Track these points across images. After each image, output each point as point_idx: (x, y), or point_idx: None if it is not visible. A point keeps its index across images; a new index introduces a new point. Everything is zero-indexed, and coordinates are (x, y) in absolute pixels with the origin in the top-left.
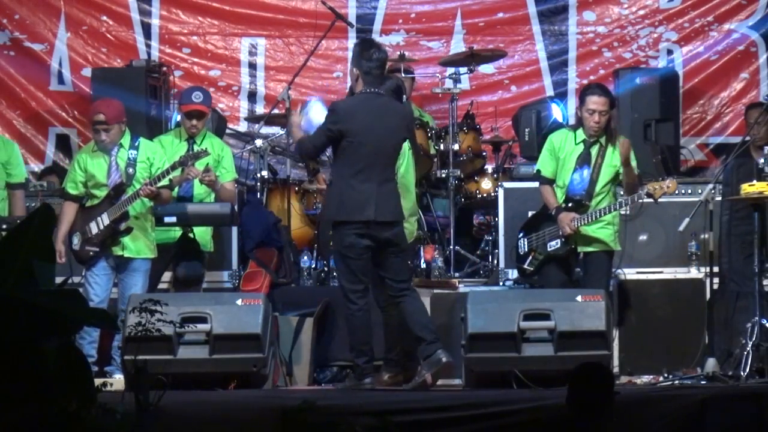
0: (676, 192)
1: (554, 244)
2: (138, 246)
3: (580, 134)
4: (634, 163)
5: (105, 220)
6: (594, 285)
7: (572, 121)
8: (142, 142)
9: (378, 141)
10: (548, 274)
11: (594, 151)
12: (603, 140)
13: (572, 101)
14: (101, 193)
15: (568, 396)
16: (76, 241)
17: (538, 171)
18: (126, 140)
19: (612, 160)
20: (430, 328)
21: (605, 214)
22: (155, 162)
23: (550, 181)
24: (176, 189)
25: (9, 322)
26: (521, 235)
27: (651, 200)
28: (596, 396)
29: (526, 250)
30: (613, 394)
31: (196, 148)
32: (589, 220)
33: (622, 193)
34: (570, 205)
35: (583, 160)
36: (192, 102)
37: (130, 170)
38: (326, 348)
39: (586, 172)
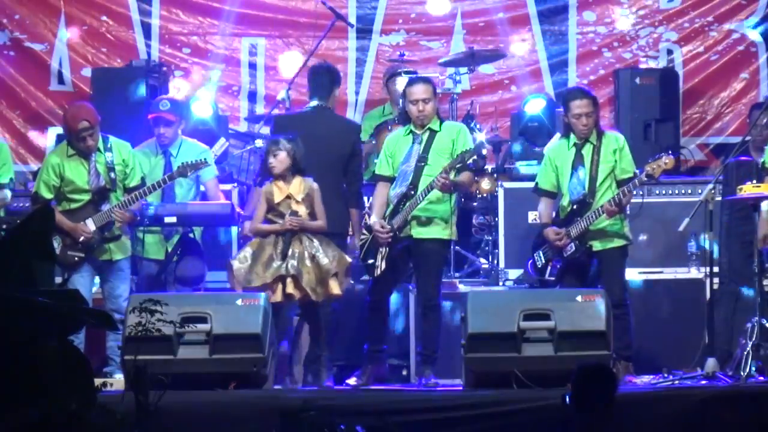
0: (677, 192)
1: (569, 249)
2: (120, 247)
3: (573, 139)
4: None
5: (91, 226)
6: (610, 282)
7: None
8: (113, 141)
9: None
10: (566, 281)
11: (586, 151)
12: (594, 139)
13: None
14: (81, 198)
15: (570, 394)
16: (54, 245)
17: (536, 184)
18: (99, 142)
19: (606, 157)
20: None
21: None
22: (129, 162)
23: (549, 194)
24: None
25: (8, 322)
26: (536, 248)
27: (652, 182)
28: (598, 395)
29: (544, 261)
30: (614, 394)
31: (173, 160)
32: (595, 217)
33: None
34: (575, 207)
35: (577, 162)
36: (158, 110)
37: (112, 174)
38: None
39: (582, 173)
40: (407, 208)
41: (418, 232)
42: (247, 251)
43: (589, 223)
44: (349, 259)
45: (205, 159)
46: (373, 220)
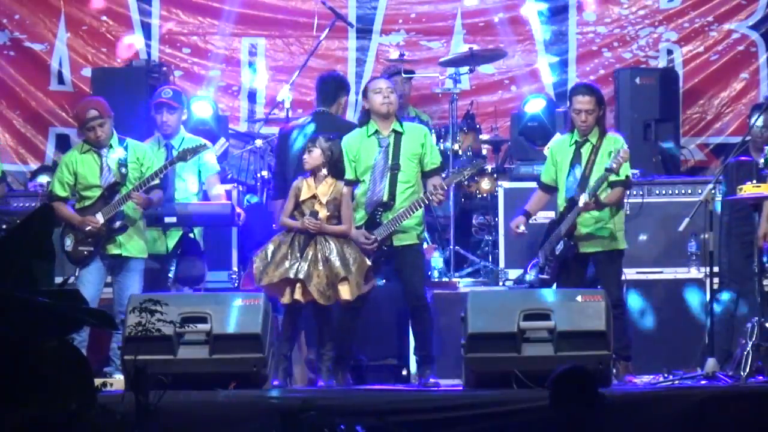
0: (677, 192)
1: (560, 247)
2: (133, 245)
3: (575, 136)
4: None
5: (100, 219)
6: (607, 283)
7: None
8: (129, 142)
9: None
10: (561, 281)
11: (585, 150)
12: (594, 139)
13: None
14: (93, 194)
15: (549, 401)
16: (68, 242)
17: (539, 176)
18: (114, 141)
19: (603, 158)
20: None
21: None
22: (145, 162)
23: (546, 187)
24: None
25: (8, 322)
26: (540, 248)
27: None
28: (577, 399)
29: (543, 260)
30: (594, 395)
31: (174, 153)
32: (577, 213)
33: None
34: (568, 205)
35: (575, 160)
36: (160, 97)
37: (123, 170)
38: None
39: (578, 172)
40: (393, 222)
41: (398, 239)
42: (269, 248)
43: (575, 217)
44: (369, 263)
45: (204, 144)
46: (354, 232)
